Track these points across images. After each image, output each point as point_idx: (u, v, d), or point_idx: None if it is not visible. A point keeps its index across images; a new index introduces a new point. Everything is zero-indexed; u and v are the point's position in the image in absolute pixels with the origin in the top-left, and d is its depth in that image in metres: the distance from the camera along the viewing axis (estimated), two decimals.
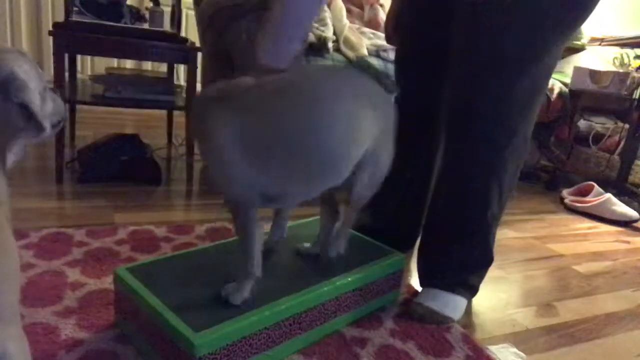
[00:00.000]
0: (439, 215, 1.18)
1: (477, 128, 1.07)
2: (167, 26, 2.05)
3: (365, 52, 1.82)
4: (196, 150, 2.00)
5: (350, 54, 1.78)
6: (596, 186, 2.30)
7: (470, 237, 1.15)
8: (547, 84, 1.08)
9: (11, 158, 0.65)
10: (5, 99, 0.59)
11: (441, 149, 1.39)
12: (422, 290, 1.18)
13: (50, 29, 1.65)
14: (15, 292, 0.57)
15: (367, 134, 0.89)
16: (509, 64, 1.00)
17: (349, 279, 1.01)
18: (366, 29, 2.09)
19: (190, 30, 3.15)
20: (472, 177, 1.11)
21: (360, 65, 0.95)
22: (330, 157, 0.84)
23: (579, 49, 3.00)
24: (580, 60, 3.05)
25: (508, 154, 1.07)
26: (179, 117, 2.18)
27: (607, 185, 2.39)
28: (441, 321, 1.10)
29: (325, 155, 0.84)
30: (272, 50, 0.93)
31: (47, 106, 0.66)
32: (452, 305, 1.13)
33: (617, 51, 3.05)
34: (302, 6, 0.90)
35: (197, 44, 2.10)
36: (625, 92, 2.60)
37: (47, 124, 0.64)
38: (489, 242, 1.17)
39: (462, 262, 1.17)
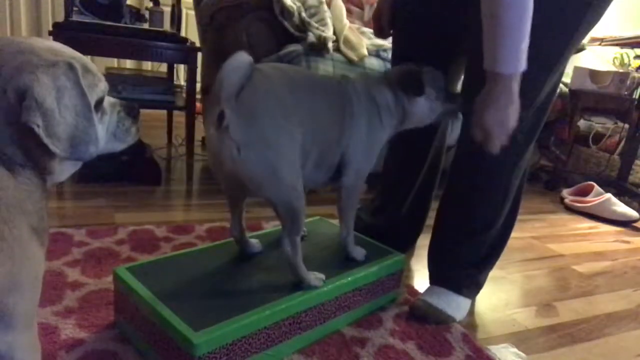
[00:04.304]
0: (452, 213, 1.17)
1: None
2: (167, 26, 2.05)
3: (365, 52, 1.82)
4: (196, 150, 2.00)
5: (350, 54, 1.78)
6: (596, 186, 2.30)
7: (484, 235, 1.14)
8: (559, 84, 1.07)
9: (55, 177, 0.61)
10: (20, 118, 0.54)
11: (445, 148, 1.39)
12: (427, 288, 1.18)
13: (50, 29, 1.65)
14: (30, 301, 0.57)
15: None
16: (539, 62, 0.96)
17: (349, 279, 1.01)
18: (366, 29, 2.09)
19: (190, 30, 3.14)
20: (491, 177, 1.09)
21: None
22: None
23: (579, 49, 3.00)
24: (580, 60, 3.06)
25: (524, 154, 1.08)
26: (179, 117, 2.18)
27: (607, 185, 2.39)
28: (443, 320, 1.10)
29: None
30: (511, 56, 0.86)
31: (90, 126, 0.59)
32: (455, 305, 1.13)
33: (617, 51, 3.05)
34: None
35: (197, 44, 2.10)
36: (625, 92, 2.60)
37: (57, 149, 0.56)
38: (501, 239, 1.17)
39: (472, 261, 1.16)
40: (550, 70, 1.00)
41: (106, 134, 0.68)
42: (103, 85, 0.64)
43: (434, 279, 1.19)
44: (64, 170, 0.63)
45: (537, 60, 0.97)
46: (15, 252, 0.53)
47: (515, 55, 0.85)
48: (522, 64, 0.86)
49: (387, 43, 1.88)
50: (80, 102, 0.58)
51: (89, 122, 0.59)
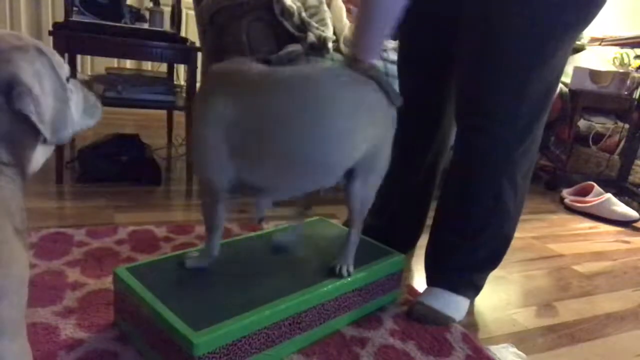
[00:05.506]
0: (447, 215, 1.17)
1: (488, 129, 1.05)
2: (167, 26, 2.05)
3: None
4: None
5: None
6: (596, 186, 2.30)
7: (479, 237, 1.13)
8: (557, 84, 1.07)
9: (32, 166, 0.60)
10: (9, 106, 0.53)
11: (446, 149, 1.39)
12: (425, 289, 1.18)
13: (50, 29, 1.65)
14: (17, 306, 0.55)
15: (361, 140, 0.89)
16: (520, 66, 1.00)
17: (349, 279, 1.01)
18: None
19: (190, 30, 3.15)
20: (483, 177, 1.09)
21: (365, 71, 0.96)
22: (317, 158, 0.86)
23: (579, 49, 3.01)
24: (580, 60, 3.05)
25: (520, 154, 1.07)
26: (179, 117, 2.18)
27: (607, 185, 2.39)
28: (443, 321, 1.10)
29: (312, 156, 0.86)
30: (363, 43, 0.96)
31: (66, 107, 0.60)
32: (454, 305, 1.13)
33: (617, 51, 3.05)
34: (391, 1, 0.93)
35: (197, 44, 2.10)
36: (625, 92, 2.60)
37: (49, 134, 0.56)
38: (500, 241, 1.16)
39: (468, 262, 1.16)
40: (533, 65, 1.00)
41: (76, 113, 0.68)
42: (66, 65, 0.64)
43: (431, 280, 1.19)
44: (39, 159, 0.62)
45: (517, 57, 0.99)
46: (1, 255, 0.51)
47: (372, 46, 0.97)
48: (375, 56, 0.98)
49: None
50: (57, 85, 0.58)
51: (66, 104, 0.60)
